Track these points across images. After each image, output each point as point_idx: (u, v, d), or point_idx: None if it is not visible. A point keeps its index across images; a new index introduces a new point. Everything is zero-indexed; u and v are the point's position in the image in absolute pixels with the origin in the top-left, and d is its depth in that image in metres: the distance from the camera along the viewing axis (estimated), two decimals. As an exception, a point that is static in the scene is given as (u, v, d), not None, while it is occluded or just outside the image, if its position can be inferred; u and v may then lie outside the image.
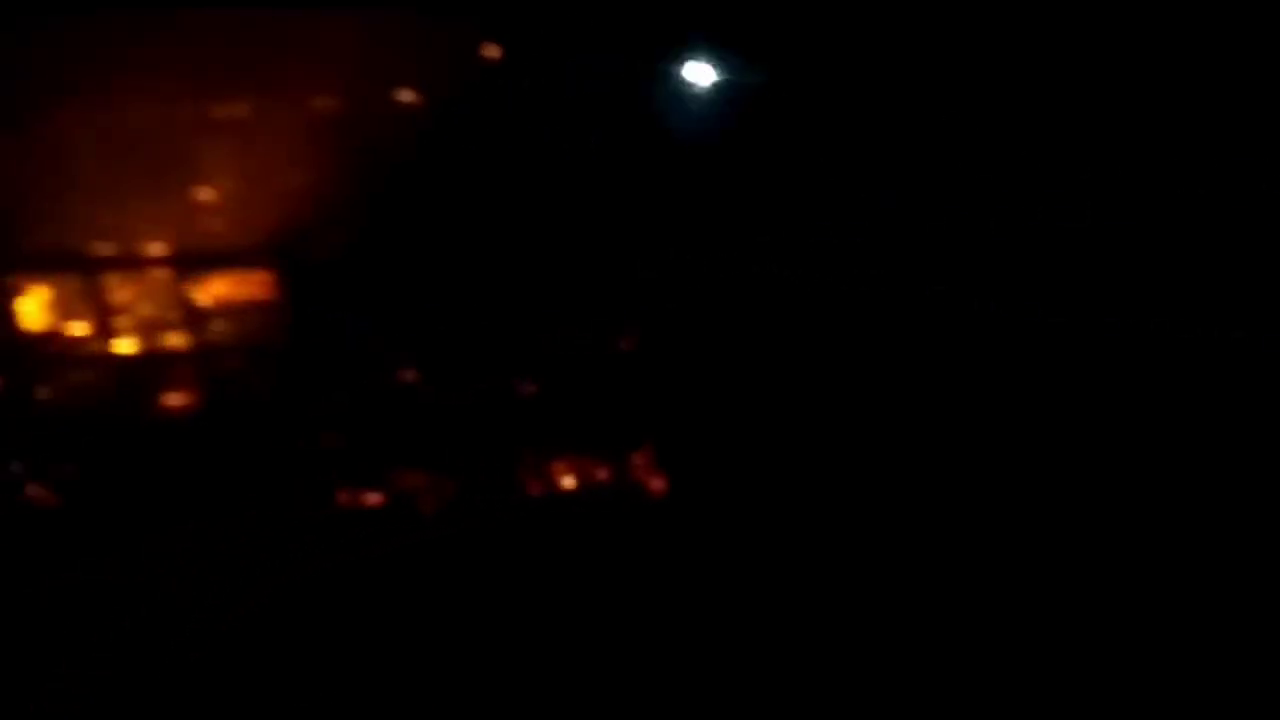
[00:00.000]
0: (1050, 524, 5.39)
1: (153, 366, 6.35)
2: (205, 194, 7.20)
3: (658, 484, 5.97)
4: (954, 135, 6.11)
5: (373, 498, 5.94)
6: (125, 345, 6.33)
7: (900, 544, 5.39)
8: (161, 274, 6.56)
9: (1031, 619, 4.96)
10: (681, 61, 6.19)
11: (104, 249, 6.71)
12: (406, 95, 6.67)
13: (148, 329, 6.63)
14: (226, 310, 6.86)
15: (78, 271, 6.22)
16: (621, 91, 6.28)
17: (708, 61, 6.18)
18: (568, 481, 6.04)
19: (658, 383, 6.13)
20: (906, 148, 6.14)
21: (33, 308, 6.60)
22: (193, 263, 6.23)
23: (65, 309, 6.72)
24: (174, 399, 6.30)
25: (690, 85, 6.17)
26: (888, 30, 6.07)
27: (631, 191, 6.23)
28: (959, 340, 5.96)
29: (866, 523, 5.47)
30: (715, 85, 6.18)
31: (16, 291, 6.24)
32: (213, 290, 6.95)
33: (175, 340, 6.42)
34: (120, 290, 6.61)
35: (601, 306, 6.19)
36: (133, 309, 6.68)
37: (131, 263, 6.69)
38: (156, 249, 6.99)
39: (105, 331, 6.10)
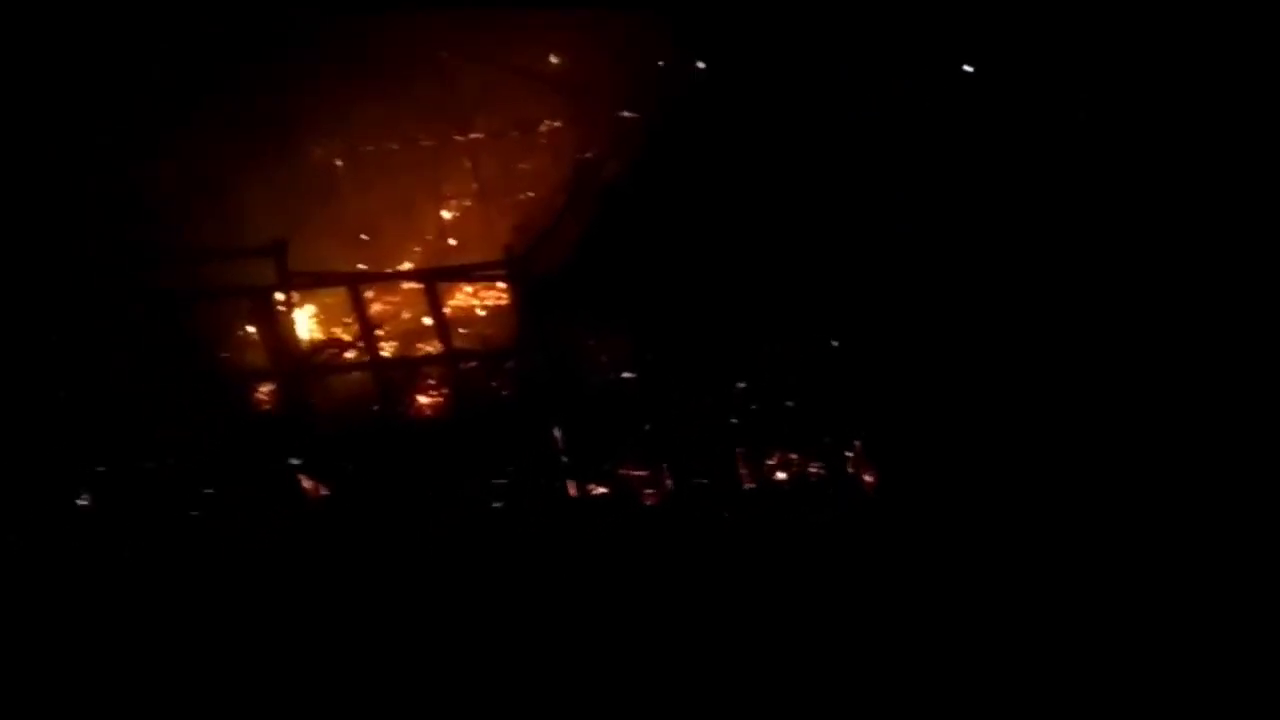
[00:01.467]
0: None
1: (405, 370, 6.90)
2: (449, 214, 7.89)
3: (870, 478, 6.09)
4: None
5: (599, 491, 6.27)
6: (383, 351, 6.90)
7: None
8: (413, 287, 7.16)
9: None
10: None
11: (363, 266, 7.47)
12: (624, 114, 7.09)
13: (401, 337, 7.33)
14: (468, 319, 7.49)
15: (341, 287, 6.79)
16: (819, 100, 6.41)
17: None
18: (781, 476, 6.21)
19: (869, 378, 6.19)
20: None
21: (302, 320, 7.38)
22: (439, 276, 6.69)
23: (330, 320, 7.51)
24: (424, 399, 6.87)
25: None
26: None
27: (837, 195, 6.33)
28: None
29: (1071, 519, 5.43)
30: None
31: (288, 305, 6.84)
32: (456, 300, 7.59)
33: (425, 346, 6.97)
34: (377, 302, 7.29)
35: (813, 306, 6.29)
36: (388, 319, 7.39)
37: (387, 278, 7.40)
38: (408, 265, 7.72)
39: (365, 339, 6.61)
